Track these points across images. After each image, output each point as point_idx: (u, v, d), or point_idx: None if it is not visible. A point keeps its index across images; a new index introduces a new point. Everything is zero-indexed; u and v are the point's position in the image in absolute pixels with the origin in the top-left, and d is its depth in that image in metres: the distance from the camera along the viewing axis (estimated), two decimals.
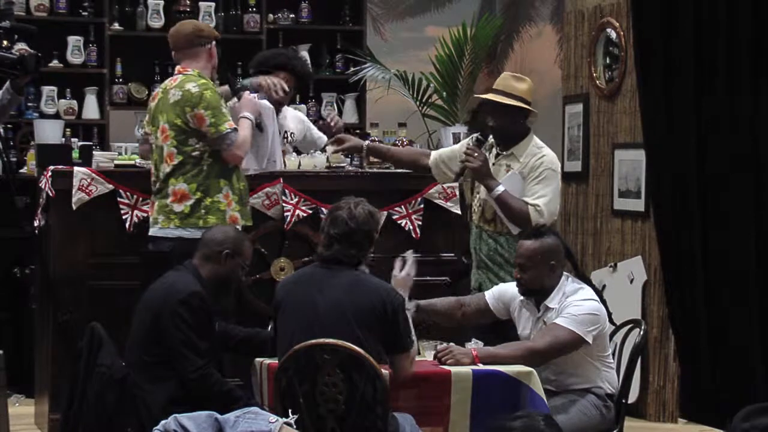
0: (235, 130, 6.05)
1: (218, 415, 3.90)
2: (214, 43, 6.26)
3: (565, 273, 5.55)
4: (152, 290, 5.36)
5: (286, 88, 6.67)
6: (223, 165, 6.08)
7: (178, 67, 6.23)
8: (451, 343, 5.32)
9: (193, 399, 4.99)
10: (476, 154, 6.01)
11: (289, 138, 7.04)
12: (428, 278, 6.82)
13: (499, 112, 6.03)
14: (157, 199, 6.12)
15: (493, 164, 6.06)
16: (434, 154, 6.43)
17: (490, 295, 5.74)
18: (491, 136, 6.14)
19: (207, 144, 6.03)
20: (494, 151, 6.11)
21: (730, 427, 3.62)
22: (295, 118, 7.18)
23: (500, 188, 5.93)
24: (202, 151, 6.05)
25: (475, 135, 6.19)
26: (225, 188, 6.07)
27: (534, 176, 6.00)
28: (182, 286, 5.23)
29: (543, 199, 5.97)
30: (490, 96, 6.06)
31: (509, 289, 5.66)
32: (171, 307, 5.15)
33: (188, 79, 6.10)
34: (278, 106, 6.93)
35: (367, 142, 6.56)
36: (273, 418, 3.93)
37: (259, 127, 6.34)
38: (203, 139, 6.03)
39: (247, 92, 6.38)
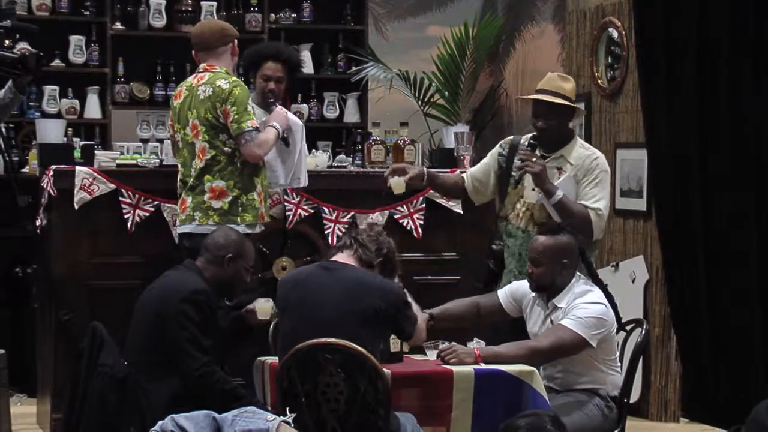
0: (257, 129, 6.12)
1: (216, 415, 3.91)
2: (235, 41, 6.37)
3: (577, 273, 5.54)
4: (152, 289, 5.36)
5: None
6: (254, 163, 6.18)
7: (203, 65, 6.29)
8: (454, 343, 5.32)
9: (195, 397, 4.99)
10: (534, 159, 5.89)
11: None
12: (429, 278, 6.83)
13: (553, 113, 5.93)
14: (190, 196, 6.16)
15: None
16: (467, 175, 6.27)
17: (503, 293, 5.73)
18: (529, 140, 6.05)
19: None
20: (538, 153, 5.99)
21: (753, 421, 3.60)
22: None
23: (560, 193, 5.84)
24: (233, 147, 6.13)
25: (525, 139, 6.07)
26: (258, 186, 6.18)
27: (590, 179, 5.94)
28: (186, 283, 5.23)
29: (602, 202, 5.94)
30: (541, 96, 5.94)
31: (521, 286, 5.65)
32: (176, 304, 5.15)
33: (218, 77, 6.19)
34: (273, 97, 6.93)
35: (425, 169, 6.25)
36: (271, 416, 3.93)
37: (285, 141, 6.37)
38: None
39: (279, 106, 6.44)
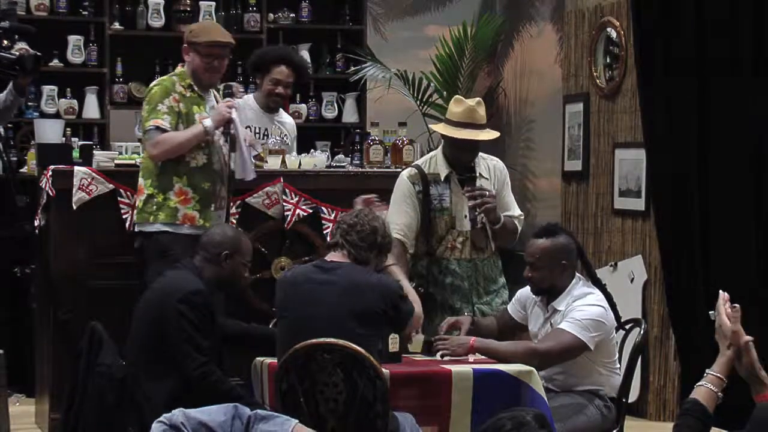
0: (158, 128, 6.08)
1: (239, 406, 3.91)
2: (208, 49, 6.17)
3: (577, 275, 5.51)
4: (152, 289, 5.36)
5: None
6: (178, 163, 6.13)
7: None
8: (452, 337, 5.35)
9: (194, 397, 4.98)
10: (487, 193, 5.73)
11: (285, 140, 7.07)
12: None
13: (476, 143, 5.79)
14: None
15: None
16: (404, 238, 5.73)
17: (511, 305, 5.71)
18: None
19: None
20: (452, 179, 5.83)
21: (755, 421, 3.59)
22: (290, 125, 7.24)
23: (501, 215, 5.80)
24: None
25: (440, 170, 5.80)
26: (178, 185, 6.13)
27: (507, 188, 5.92)
28: (184, 284, 5.23)
29: (518, 207, 5.98)
30: (477, 135, 5.73)
31: (524, 291, 5.63)
32: (173, 305, 5.15)
33: (163, 77, 6.31)
34: (279, 100, 7.04)
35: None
36: (284, 417, 3.94)
37: (226, 136, 6.22)
38: None
39: (222, 103, 6.27)
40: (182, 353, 5.13)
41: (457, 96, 6.02)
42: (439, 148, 5.97)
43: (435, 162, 5.87)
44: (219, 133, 6.22)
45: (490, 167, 5.91)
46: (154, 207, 6.14)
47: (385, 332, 5.12)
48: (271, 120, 7.11)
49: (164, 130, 6.09)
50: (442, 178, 5.82)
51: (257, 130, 7.03)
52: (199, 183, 6.17)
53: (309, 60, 9.04)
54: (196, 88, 6.23)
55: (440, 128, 5.86)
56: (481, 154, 5.90)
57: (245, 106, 7.02)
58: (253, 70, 7.29)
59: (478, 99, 5.91)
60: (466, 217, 5.80)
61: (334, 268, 5.05)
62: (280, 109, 7.23)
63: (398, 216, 5.78)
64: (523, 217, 6.00)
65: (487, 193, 5.73)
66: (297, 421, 3.95)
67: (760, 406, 3.59)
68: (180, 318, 5.13)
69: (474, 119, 5.75)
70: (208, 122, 6.13)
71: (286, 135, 7.11)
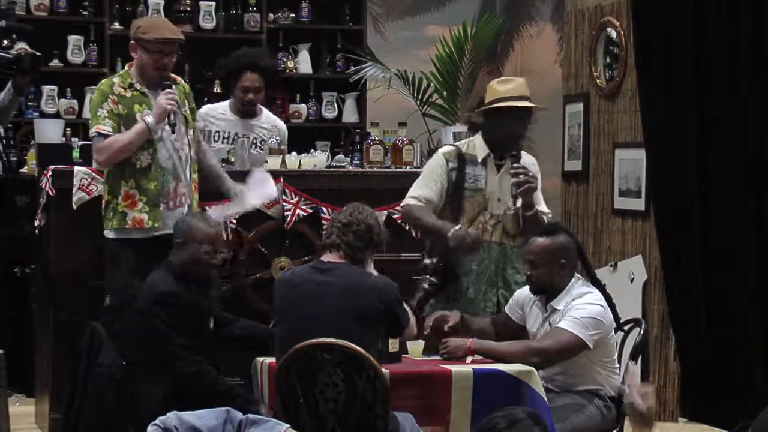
0: (100, 134, 5.96)
1: (231, 410, 3.93)
2: (156, 46, 6.02)
3: (576, 275, 5.51)
4: (139, 290, 5.41)
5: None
6: (124, 166, 6.00)
7: None
8: (451, 339, 5.35)
9: (190, 398, 4.98)
10: (529, 173, 5.81)
11: (260, 145, 7.02)
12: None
13: (527, 118, 5.92)
14: None
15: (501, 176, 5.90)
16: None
17: (509, 306, 5.70)
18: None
19: None
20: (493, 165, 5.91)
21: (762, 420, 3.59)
22: (271, 125, 7.14)
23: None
24: None
25: (479, 150, 5.91)
26: (125, 189, 6.00)
27: (539, 185, 5.96)
28: (156, 285, 5.29)
29: (545, 205, 6.00)
30: (522, 103, 5.84)
31: (523, 292, 5.63)
32: (148, 308, 5.19)
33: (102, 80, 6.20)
34: (252, 107, 6.98)
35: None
36: (275, 422, 3.95)
37: (172, 127, 6.05)
38: None
39: (163, 93, 6.02)
40: (170, 354, 5.13)
41: (501, 78, 6.16)
42: (477, 134, 6.01)
43: (473, 145, 5.95)
44: (166, 127, 6.01)
45: (527, 161, 5.95)
46: (111, 213, 6.03)
47: (384, 332, 5.12)
48: (247, 126, 7.03)
49: (107, 135, 5.95)
50: (479, 160, 5.89)
51: (226, 135, 7.01)
52: (146, 184, 6.00)
53: (308, 59, 9.06)
54: (138, 87, 6.05)
55: (494, 101, 5.86)
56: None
57: (213, 112, 7.00)
58: (223, 78, 7.26)
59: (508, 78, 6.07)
60: (499, 200, 5.85)
61: (331, 269, 5.05)
62: (263, 113, 7.15)
63: (422, 189, 5.89)
64: (551, 215, 6.00)
65: (530, 173, 5.80)
66: (288, 425, 3.98)
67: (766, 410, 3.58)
68: (156, 320, 5.17)
69: (526, 93, 5.87)
70: (149, 118, 5.96)
71: (271, 138, 7.01)
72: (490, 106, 5.88)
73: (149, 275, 5.40)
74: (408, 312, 5.18)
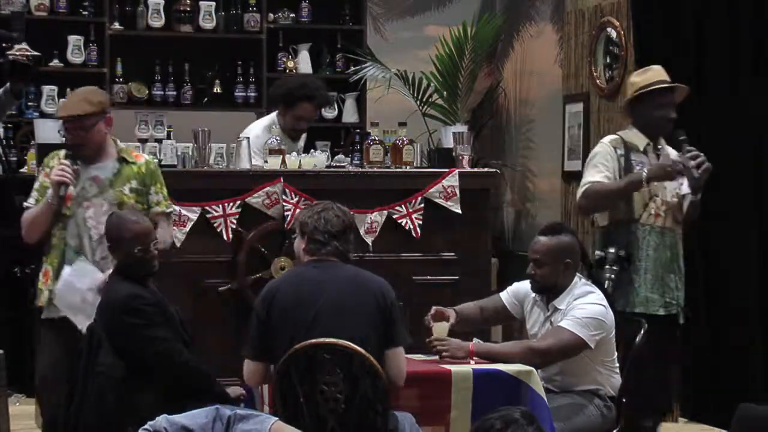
0: (24, 208, 5.81)
1: (220, 407, 3.93)
2: (64, 124, 5.82)
3: (578, 274, 5.51)
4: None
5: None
6: (45, 242, 5.80)
7: None
8: (453, 339, 5.35)
9: (185, 395, 4.97)
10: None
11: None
12: (428, 278, 6.83)
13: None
14: None
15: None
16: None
17: (506, 294, 5.71)
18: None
19: None
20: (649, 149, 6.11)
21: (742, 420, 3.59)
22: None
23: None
24: None
25: (638, 139, 6.10)
26: (44, 266, 5.80)
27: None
28: (117, 295, 5.19)
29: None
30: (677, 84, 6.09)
31: (523, 286, 5.62)
32: (119, 320, 5.13)
33: None
34: (303, 132, 7.32)
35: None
36: (264, 415, 3.96)
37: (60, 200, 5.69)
38: None
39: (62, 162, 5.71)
40: (159, 352, 5.09)
41: (638, 70, 6.30)
42: (630, 126, 6.16)
43: (630, 136, 6.12)
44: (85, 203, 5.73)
45: (673, 153, 6.11)
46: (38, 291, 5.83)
47: (382, 333, 5.10)
48: (290, 146, 7.17)
49: (29, 209, 5.79)
50: (641, 149, 6.06)
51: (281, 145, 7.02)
52: (53, 261, 5.77)
53: (308, 59, 9.06)
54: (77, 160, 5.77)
55: (651, 86, 6.04)
56: None
57: (272, 133, 7.06)
58: (279, 102, 7.32)
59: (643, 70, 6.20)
60: (665, 187, 6.02)
61: (329, 267, 5.04)
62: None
63: (595, 175, 6.04)
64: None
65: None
66: (276, 419, 3.98)
67: (742, 407, 3.59)
68: (132, 328, 5.10)
69: (665, 77, 6.07)
70: (50, 191, 5.70)
71: (272, 138, 7.03)
72: (637, 92, 6.05)
73: (104, 293, 5.33)
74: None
